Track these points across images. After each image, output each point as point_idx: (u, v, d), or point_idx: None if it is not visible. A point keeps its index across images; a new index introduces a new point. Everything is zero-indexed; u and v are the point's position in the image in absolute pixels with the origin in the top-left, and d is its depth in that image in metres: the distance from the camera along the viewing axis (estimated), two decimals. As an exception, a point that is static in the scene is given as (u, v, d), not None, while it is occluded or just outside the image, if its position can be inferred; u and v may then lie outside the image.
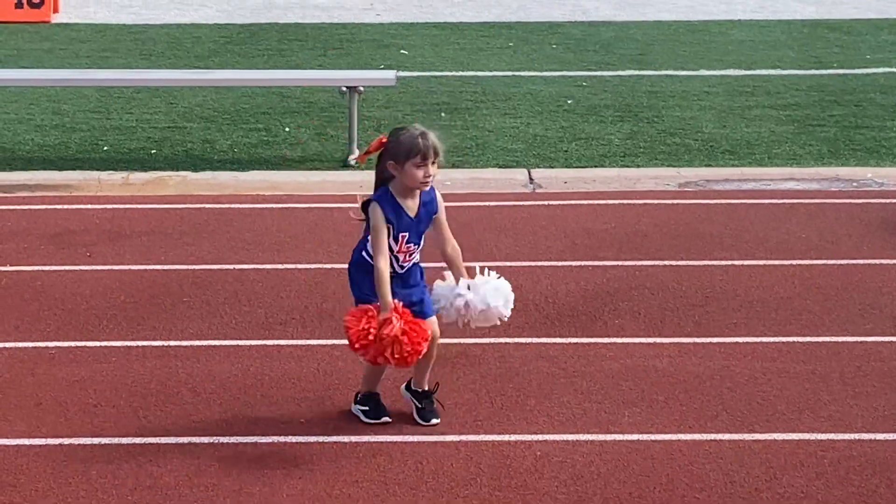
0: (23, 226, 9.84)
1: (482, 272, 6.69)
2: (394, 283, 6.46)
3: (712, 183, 10.94)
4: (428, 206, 6.55)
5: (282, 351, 7.63)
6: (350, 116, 11.66)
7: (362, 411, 6.74)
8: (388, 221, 6.44)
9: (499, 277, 6.71)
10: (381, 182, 6.54)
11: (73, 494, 6.07)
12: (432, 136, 6.46)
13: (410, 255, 6.53)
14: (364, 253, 6.55)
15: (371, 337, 6.31)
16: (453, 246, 6.66)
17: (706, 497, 6.03)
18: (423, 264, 6.65)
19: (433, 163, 6.44)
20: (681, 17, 18.24)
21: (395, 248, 6.48)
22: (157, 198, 10.58)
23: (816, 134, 12.39)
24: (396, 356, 6.33)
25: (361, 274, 6.55)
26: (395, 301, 6.39)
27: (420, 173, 6.42)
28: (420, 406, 6.72)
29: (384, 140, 6.51)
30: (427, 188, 6.50)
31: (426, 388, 6.75)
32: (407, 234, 6.48)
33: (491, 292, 6.64)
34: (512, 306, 6.72)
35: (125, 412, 6.86)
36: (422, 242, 6.57)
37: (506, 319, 6.73)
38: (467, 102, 13.47)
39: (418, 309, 6.53)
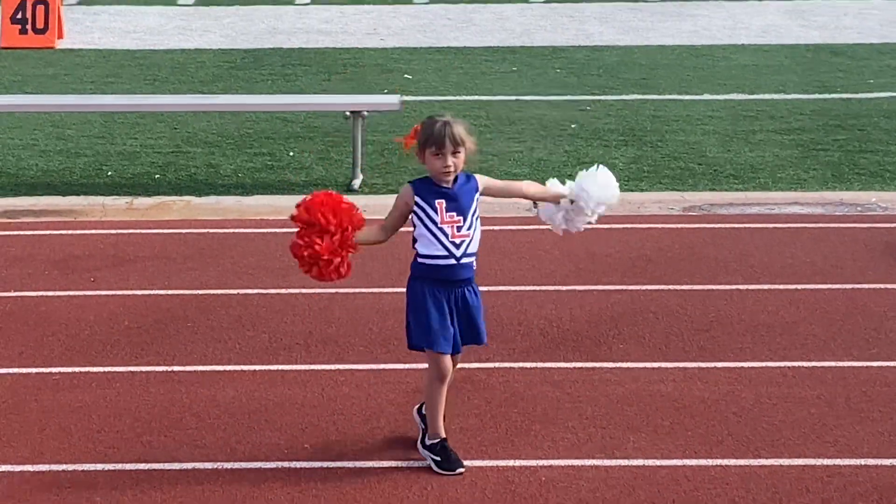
0: (27, 251, 9.83)
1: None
2: (450, 272, 6.39)
3: (716, 207, 10.94)
4: (466, 186, 6.41)
5: (286, 376, 7.61)
6: (354, 141, 11.67)
7: (435, 462, 6.54)
8: (418, 193, 6.36)
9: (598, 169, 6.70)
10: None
11: (76, 521, 6.06)
12: (456, 126, 6.34)
13: (459, 231, 6.37)
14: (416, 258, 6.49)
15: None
16: (527, 184, 6.62)
17: (712, 523, 6.02)
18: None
19: (454, 153, 6.32)
20: (684, 42, 18.26)
21: (438, 220, 6.36)
22: (161, 223, 10.58)
23: (820, 158, 12.39)
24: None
25: (412, 278, 6.49)
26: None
27: (438, 163, 6.33)
28: (425, 428, 6.68)
29: (418, 127, 6.45)
30: (448, 179, 6.36)
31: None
32: (444, 201, 6.35)
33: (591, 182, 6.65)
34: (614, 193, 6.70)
35: (129, 438, 6.85)
36: (472, 223, 6.39)
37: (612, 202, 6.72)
38: (471, 127, 13.46)
39: (474, 337, 6.50)
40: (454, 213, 6.37)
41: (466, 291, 6.48)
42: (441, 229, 6.37)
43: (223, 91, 15.19)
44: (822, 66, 16.62)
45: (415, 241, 6.45)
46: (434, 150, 6.33)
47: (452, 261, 6.39)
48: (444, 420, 6.63)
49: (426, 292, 6.42)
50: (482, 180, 6.51)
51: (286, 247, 10.03)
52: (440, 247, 6.38)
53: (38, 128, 13.45)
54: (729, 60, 17.05)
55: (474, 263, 6.49)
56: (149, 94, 14.92)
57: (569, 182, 6.74)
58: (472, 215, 6.42)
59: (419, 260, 6.46)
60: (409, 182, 6.48)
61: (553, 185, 6.76)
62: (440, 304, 6.42)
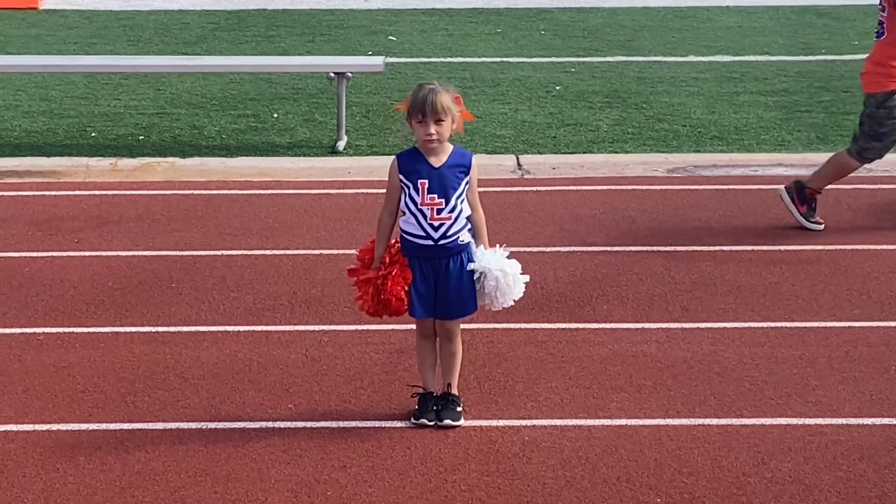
0: (10, 212, 9.82)
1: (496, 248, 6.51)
2: (429, 251, 6.35)
3: (700, 169, 10.95)
4: (457, 167, 6.36)
5: (270, 337, 7.62)
6: (338, 103, 11.64)
7: (414, 410, 6.60)
8: (402, 171, 6.34)
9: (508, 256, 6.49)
10: None
11: (60, 480, 6.07)
12: (441, 95, 6.28)
13: (439, 214, 6.31)
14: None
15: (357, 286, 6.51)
16: (478, 214, 6.46)
17: (694, 482, 6.04)
18: None
19: (437, 121, 6.26)
20: (669, 3, 18.24)
21: (419, 201, 6.32)
22: (145, 184, 10.57)
23: (805, 120, 12.40)
24: (369, 308, 6.46)
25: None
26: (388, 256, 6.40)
27: (421, 131, 6.29)
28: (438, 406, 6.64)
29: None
30: (432, 146, 6.30)
31: (449, 391, 6.62)
32: (427, 182, 6.29)
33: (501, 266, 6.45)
34: (515, 296, 6.49)
35: (113, 398, 6.86)
36: (455, 205, 6.33)
37: (503, 302, 6.51)
38: (456, 89, 13.43)
39: (444, 311, 6.45)
40: (435, 196, 6.32)
41: (451, 262, 6.41)
42: (421, 210, 6.34)
43: (207, 52, 15.15)
44: (806, 28, 16.62)
45: (402, 212, 6.44)
46: (418, 118, 6.30)
47: (430, 242, 6.36)
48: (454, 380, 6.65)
49: (410, 259, 6.43)
50: (474, 169, 6.43)
51: (270, 208, 10.10)
52: (418, 227, 6.36)
53: (21, 89, 13.40)
54: (714, 22, 17.03)
55: (461, 238, 6.40)
56: (132, 54, 14.88)
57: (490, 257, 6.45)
58: (457, 198, 6.36)
59: (402, 234, 6.46)
60: (395, 156, 6.45)
61: (488, 251, 6.47)
62: (424, 272, 6.41)
